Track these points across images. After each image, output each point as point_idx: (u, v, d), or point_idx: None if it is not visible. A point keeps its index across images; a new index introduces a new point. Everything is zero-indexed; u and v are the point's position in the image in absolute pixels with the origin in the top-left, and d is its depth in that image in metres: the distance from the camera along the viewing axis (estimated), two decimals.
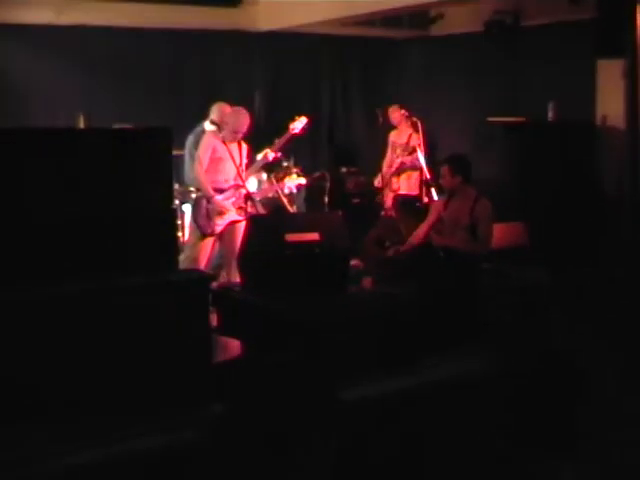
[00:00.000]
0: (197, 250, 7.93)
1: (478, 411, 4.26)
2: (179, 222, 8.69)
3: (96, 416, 4.36)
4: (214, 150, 7.96)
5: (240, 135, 8.04)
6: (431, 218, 7.56)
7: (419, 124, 9.86)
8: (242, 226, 7.62)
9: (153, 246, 5.43)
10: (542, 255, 7.88)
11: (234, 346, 5.86)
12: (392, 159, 10.29)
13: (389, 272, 8.00)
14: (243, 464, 4.06)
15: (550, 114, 9.74)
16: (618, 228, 8.32)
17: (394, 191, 10.13)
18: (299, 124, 8.58)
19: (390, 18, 10.97)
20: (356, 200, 10.84)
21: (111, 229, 5.29)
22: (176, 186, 8.39)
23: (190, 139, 8.78)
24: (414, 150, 9.80)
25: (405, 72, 12.21)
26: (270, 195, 9.37)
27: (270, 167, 9.17)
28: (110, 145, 5.44)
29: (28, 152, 5.09)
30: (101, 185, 5.30)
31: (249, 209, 7.93)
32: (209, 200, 7.89)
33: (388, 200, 10.12)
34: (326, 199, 10.26)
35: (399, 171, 10.17)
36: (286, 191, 9.31)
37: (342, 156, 11.77)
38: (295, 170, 9.54)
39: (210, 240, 7.99)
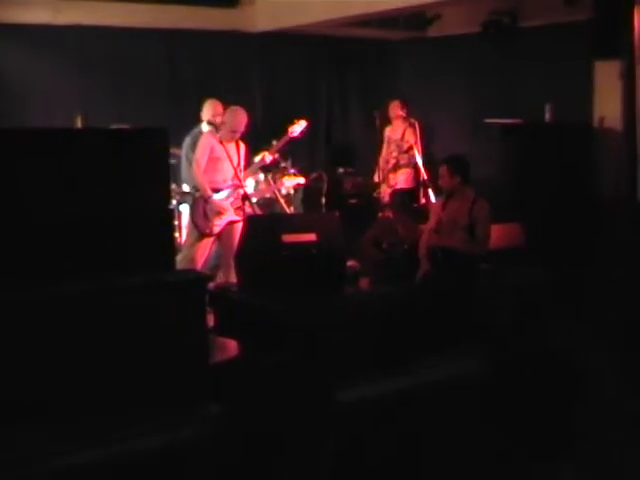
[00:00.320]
0: (194, 250, 7.93)
1: (476, 412, 4.25)
2: (176, 223, 8.67)
3: (94, 416, 4.34)
4: (212, 150, 7.95)
5: (238, 135, 8.03)
6: (432, 222, 7.54)
7: (416, 124, 9.89)
8: (240, 226, 7.61)
9: (150, 246, 5.42)
10: (539, 256, 7.88)
11: (231, 347, 5.85)
12: (388, 154, 10.31)
13: (386, 273, 8.02)
14: (240, 465, 4.04)
15: (547, 115, 9.74)
16: (615, 229, 8.33)
17: (391, 187, 10.16)
18: (298, 128, 8.58)
19: (387, 19, 10.96)
20: (353, 201, 10.83)
21: (108, 229, 5.28)
22: (173, 186, 8.37)
23: (187, 140, 8.77)
24: (410, 147, 9.81)
25: (402, 73, 12.21)
26: (267, 196, 9.37)
27: (267, 168, 9.17)
28: (107, 145, 5.43)
29: (26, 152, 5.08)
30: (98, 185, 5.29)
31: (247, 209, 7.92)
32: (207, 200, 7.88)
33: (385, 196, 10.14)
34: (323, 200, 10.27)
35: (396, 167, 10.19)
36: (283, 192, 9.32)
37: (339, 157, 11.77)
38: (292, 171, 9.55)
39: (208, 240, 7.98)
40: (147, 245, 5.40)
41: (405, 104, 10.25)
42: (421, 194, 9.74)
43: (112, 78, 10.00)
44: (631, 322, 6.51)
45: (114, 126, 7.97)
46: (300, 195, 10.30)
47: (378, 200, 10.22)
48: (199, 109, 8.86)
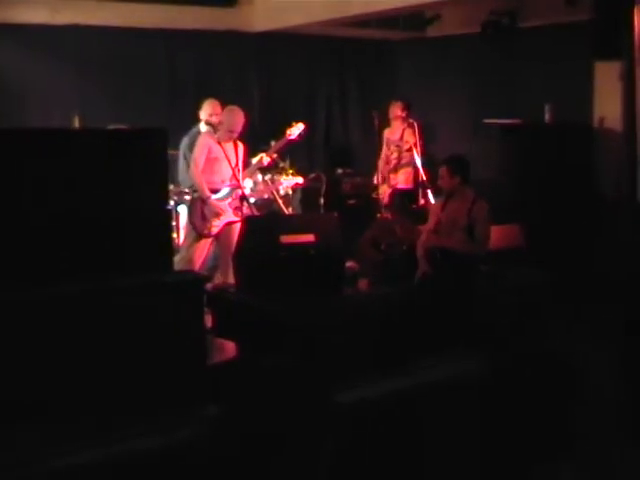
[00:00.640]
0: (192, 251, 7.93)
1: (475, 412, 4.27)
2: (174, 223, 8.67)
3: (93, 416, 4.36)
4: (210, 150, 7.96)
5: (235, 135, 8.03)
6: (431, 223, 7.53)
7: (415, 125, 9.88)
8: (238, 227, 7.62)
9: (148, 247, 5.44)
10: (539, 257, 7.88)
11: (229, 348, 5.87)
12: (387, 156, 10.30)
13: (385, 274, 8.02)
14: (239, 466, 4.05)
15: (547, 116, 9.74)
16: (615, 230, 8.33)
17: (392, 187, 10.15)
18: (296, 130, 8.59)
19: (386, 19, 10.97)
20: (352, 201, 10.83)
21: (106, 230, 5.29)
22: (171, 187, 8.38)
23: (185, 141, 8.76)
24: (410, 148, 9.82)
25: (401, 73, 12.21)
26: (266, 196, 9.37)
27: (266, 168, 9.17)
28: (105, 146, 5.46)
29: (23, 153, 5.10)
30: (96, 186, 5.30)
31: (245, 210, 7.92)
32: (205, 201, 7.89)
33: (385, 196, 10.12)
34: (321, 200, 10.27)
35: (396, 167, 10.18)
36: (282, 192, 9.33)
37: (338, 157, 11.77)
38: (291, 171, 9.55)
39: (206, 241, 7.99)
40: (145, 246, 5.42)
41: (406, 105, 10.23)
42: (420, 195, 9.74)
43: (110, 78, 10.00)
44: (631, 322, 6.51)
45: (112, 126, 7.99)
46: (298, 196, 10.30)
47: (377, 201, 10.21)
48: (197, 109, 8.87)
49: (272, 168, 9.45)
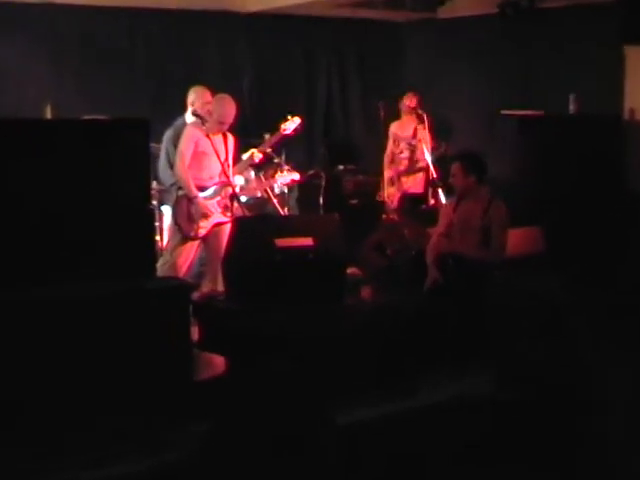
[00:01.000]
0: (177, 255, 7.93)
1: (484, 436, 4.31)
2: (157, 224, 8.69)
3: (70, 435, 4.39)
4: (197, 144, 7.95)
5: (225, 126, 8.05)
6: (442, 226, 7.55)
7: (425, 117, 9.87)
8: (228, 229, 7.65)
9: (128, 250, 5.47)
10: (562, 264, 7.90)
11: (218, 363, 5.89)
12: (394, 153, 10.28)
13: (391, 281, 8.04)
14: None
15: (571, 107, 9.76)
16: None
17: (403, 191, 10.10)
18: (291, 125, 8.62)
19: None
20: (354, 201, 10.81)
21: (81, 231, 5.32)
22: (154, 184, 8.40)
23: (168, 134, 8.69)
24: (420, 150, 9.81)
25: (409, 59, 12.22)
26: (258, 195, 9.38)
27: (258, 165, 9.19)
28: (81, 138, 5.48)
29: None
30: (70, 183, 5.33)
31: (235, 210, 7.93)
32: (191, 200, 7.90)
33: (394, 200, 10.09)
34: (321, 200, 10.29)
35: (408, 170, 10.14)
36: (276, 190, 9.33)
37: (339, 152, 11.75)
38: (286, 167, 9.56)
39: (192, 244, 7.99)
40: (124, 249, 5.45)
41: (420, 98, 10.18)
42: (430, 194, 9.76)
43: (86, 64, 9.99)
44: None
45: (87, 117, 8.00)
46: (295, 194, 10.32)
47: (384, 204, 10.20)
48: (183, 98, 8.84)
49: (266, 164, 9.47)
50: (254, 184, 9.35)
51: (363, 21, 11.94)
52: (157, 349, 5.20)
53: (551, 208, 8.72)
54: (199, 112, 8.17)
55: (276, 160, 9.62)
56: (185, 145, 7.99)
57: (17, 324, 4.82)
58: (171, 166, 8.31)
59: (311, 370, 5.80)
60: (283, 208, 9.44)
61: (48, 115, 8.73)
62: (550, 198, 8.82)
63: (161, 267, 7.56)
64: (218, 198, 7.99)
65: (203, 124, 7.94)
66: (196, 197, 7.89)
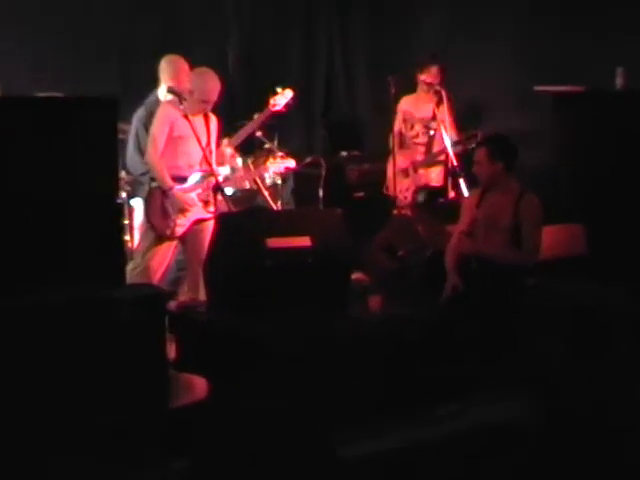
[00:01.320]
0: (150, 258, 7.95)
1: (516, 470, 4.34)
2: (126, 222, 8.71)
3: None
4: (172, 126, 7.96)
5: (209, 106, 8.06)
6: (464, 223, 7.56)
7: (444, 95, 9.81)
8: (211, 227, 7.66)
9: (91, 252, 5.48)
10: (607, 268, 7.91)
11: (198, 386, 5.91)
12: (405, 136, 10.17)
13: (403, 288, 8.06)
14: None
15: (618, 82, 9.76)
16: None
17: (423, 185, 10.01)
18: (282, 99, 8.66)
19: None
20: (359, 194, 10.82)
21: (34, 230, 5.32)
22: (122, 174, 8.42)
23: (139, 113, 8.69)
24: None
25: (425, 26, 12.20)
26: (247, 186, 9.39)
27: (248, 150, 9.21)
28: (34, 119, 5.48)
29: None
30: (23, 172, 5.34)
31: (219, 204, 7.94)
32: (167, 193, 7.92)
33: (408, 195, 10.01)
34: (320, 192, 10.30)
35: (428, 159, 10.05)
36: (268, 181, 9.34)
37: (341, 136, 11.78)
38: (279, 154, 9.56)
39: (168, 245, 8.01)
40: (87, 251, 5.46)
41: (442, 70, 10.05)
42: (450, 185, 9.75)
43: (39, 32, 9.98)
44: None
45: (42, 94, 8.00)
46: (290, 186, 10.35)
47: (395, 199, 10.07)
48: (155, 70, 8.82)
49: (255, 149, 9.48)
50: (241, 173, 9.33)
51: None
52: (127, 370, 5.21)
53: (594, 201, 8.74)
54: (175, 88, 8.14)
55: (267, 145, 9.61)
56: (158, 127, 8.01)
57: None
58: (142, 152, 8.32)
59: (309, 395, 5.83)
60: (276, 202, 9.46)
61: None
62: (593, 189, 8.84)
63: (131, 272, 7.59)
64: (199, 190, 8.00)
65: (181, 102, 7.92)
66: (172, 189, 7.90)
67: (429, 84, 9.97)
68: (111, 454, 4.94)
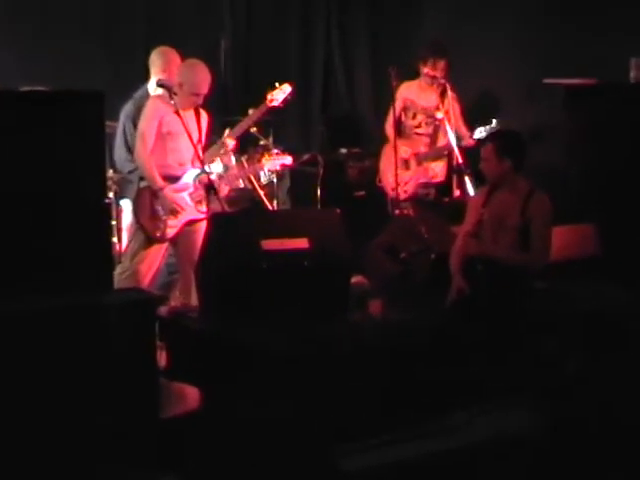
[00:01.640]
0: (139, 262, 7.95)
1: None
2: (114, 223, 8.71)
3: None
4: (162, 122, 7.97)
5: (200, 99, 8.05)
6: (469, 223, 7.57)
7: (448, 87, 9.78)
8: (204, 228, 7.67)
9: (77, 256, 5.48)
10: (621, 269, 7.93)
11: (190, 395, 5.93)
12: (405, 125, 10.05)
13: (405, 292, 8.06)
14: None
15: (632, 74, 9.78)
16: None
17: (425, 181, 9.94)
18: (280, 94, 8.66)
19: None
20: (360, 193, 10.81)
21: (17, 232, 5.32)
22: (110, 173, 8.43)
23: (127, 108, 8.70)
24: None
25: (429, 13, 12.22)
26: (241, 185, 9.39)
27: (242, 147, 9.22)
28: (17, 114, 5.48)
29: None
30: (5, 171, 5.34)
31: (212, 204, 7.94)
32: (156, 193, 7.94)
33: (409, 189, 9.95)
34: (318, 191, 10.31)
35: (431, 153, 9.98)
36: (263, 180, 9.34)
37: (340, 132, 11.78)
38: (275, 151, 9.54)
39: (158, 248, 8.01)
40: (73, 254, 5.46)
41: (447, 62, 9.94)
42: (455, 184, 9.75)
43: (21, 23, 9.99)
44: None
45: (25, 88, 8.00)
46: (286, 184, 10.35)
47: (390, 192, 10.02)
48: (144, 63, 8.83)
49: (250, 146, 9.49)
50: (235, 171, 9.32)
51: None
52: (115, 379, 5.22)
53: (607, 200, 8.75)
54: (165, 82, 8.13)
55: (262, 142, 9.60)
56: (147, 123, 8.01)
57: None
58: (130, 149, 8.34)
59: (307, 406, 5.85)
60: (271, 201, 9.47)
61: None
62: (607, 188, 8.84)
63: (119, 276, 7.61)
64: (190, 190, 8.00)
65: (171, 97, 7.91)
66: (162, 189, 7.91)
67: (434, 77, 9.85)
68: (97, 468, 4.95)
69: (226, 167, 9.24)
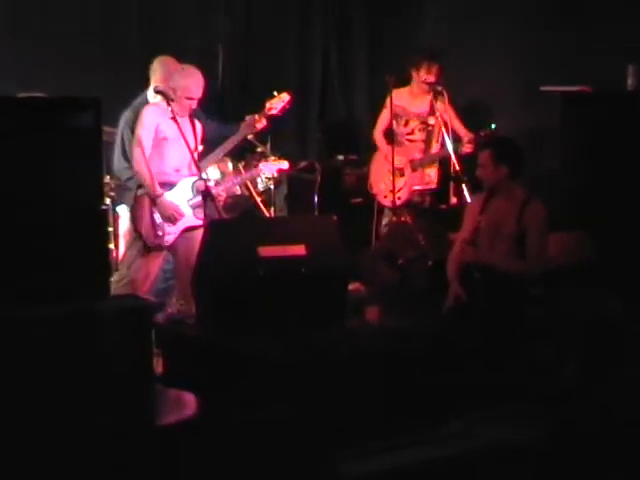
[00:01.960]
0: (137, 270, 7.95)
1: None
2: (111, 230, 8.70)
3: None
4: (158, 128, 7.95)
5: (194, 103, 8.03)
6: (466, 230, 7.57)
7: (445, 93, 9.76)
8: (201, 234, 7.64)
9: (74, 263, 5.46)
10: (616, 276, 7.92)
11: (187, 402, 5.91)
12: (396, 133, 9.94)
13: (402, 299, 8.05)
14: None
15: (630, 81, 9.77)
16: None
17: (420, 188, 9.91)
18: (279, 103, 8.65)
19: None
20: (357, 200, 10.80)
21: (13, 239, 5.30)
22: (107, 179, 8.41)
23: (126, 116, 8.68)
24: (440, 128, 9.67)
25: (427, 21, 12.20)
26: (238, 192, 9.38)
27: (239, 154, 9.20)
28: (15, 121, 5.46)
29: None
30: (1, 177, 5.32)
31: (209, 211, 7.93)
32: (155, 200, 7.92)
33: (404, 195, 9.90)
34: (315, 198, 10.29)
35: (433, 160, 9.95)
36: (260, 186, 9.33)
37: (337, 139, 11.77)
38: (273, 158, 9.51)
39: (156, 256, 8.00)
40: (70, 261, 5.44)
41: (440, 68, 9.90)
42: (452, 191, 9.74)
43: (19, 29, 9.97)
44: None
45: (23, 95, 7.99)
46: (283, 191, 10.33)
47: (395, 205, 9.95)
48: (144, 71, 8.81)
49: (246, 153, 9.47)
50: (232, 178, 9.30)
51: None
52: (111, 386, 5.20)
53: (603, 208, 8.74)
54: (162, 88, 8.11)
55: (259, 149, 9.58)
56: (143, 129, 8.00)
57: None
58: (127, 156, 8.32)
59: (305, 412, 5.83)
60: (268, 208, 9.45)
61: None
62: (602, 195, 8.84)
63: (116, 284, 7.59)
64: (189, 196, 7.99)
65: (168, 104, 7.90)
66: (159, 195, 7.89)
67: (429, 83, 9.80)
68: (93, 475, 4.93)
69: (223, 174, 9.25)
